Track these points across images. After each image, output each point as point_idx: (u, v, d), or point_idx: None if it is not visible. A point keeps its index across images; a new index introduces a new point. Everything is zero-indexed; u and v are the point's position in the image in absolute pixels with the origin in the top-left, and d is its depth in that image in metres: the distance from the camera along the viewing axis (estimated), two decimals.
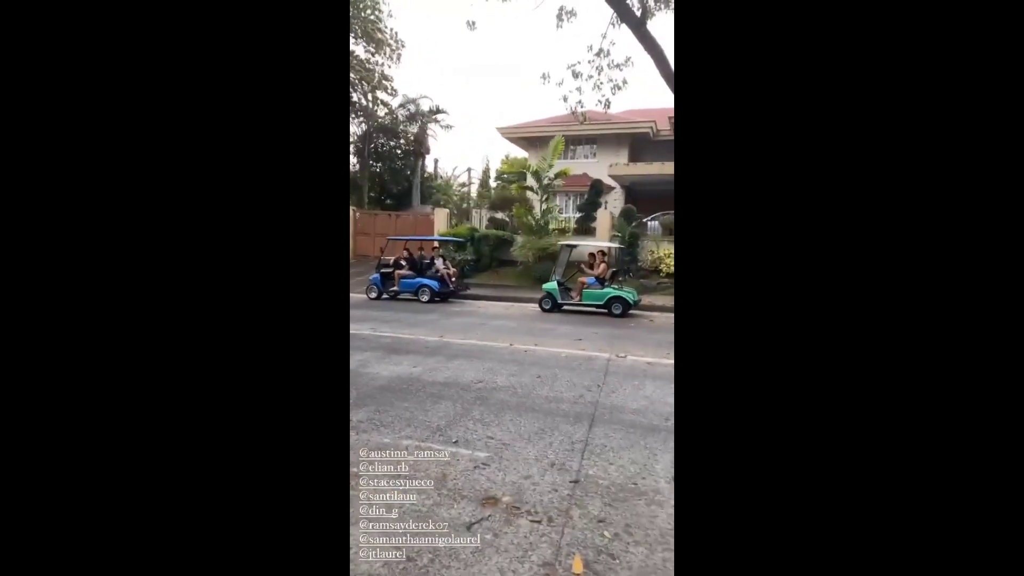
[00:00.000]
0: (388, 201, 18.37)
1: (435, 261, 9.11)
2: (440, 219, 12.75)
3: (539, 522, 1.76)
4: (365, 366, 3.85)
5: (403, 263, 8.82)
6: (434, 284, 8.47)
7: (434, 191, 20.45)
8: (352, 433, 2.49)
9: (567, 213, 14.34)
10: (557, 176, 11.12)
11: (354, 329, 5.51)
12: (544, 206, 11.38)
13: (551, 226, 11.54)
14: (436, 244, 9.42)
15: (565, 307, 7.73)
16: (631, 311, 7.46)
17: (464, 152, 38.38)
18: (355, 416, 2.74)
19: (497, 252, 11.58)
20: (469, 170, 25.99)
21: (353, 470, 2.13)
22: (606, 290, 7.42)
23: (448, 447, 2.37)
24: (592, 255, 7.90)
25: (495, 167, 27.97)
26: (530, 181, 12.15)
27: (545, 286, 7.93)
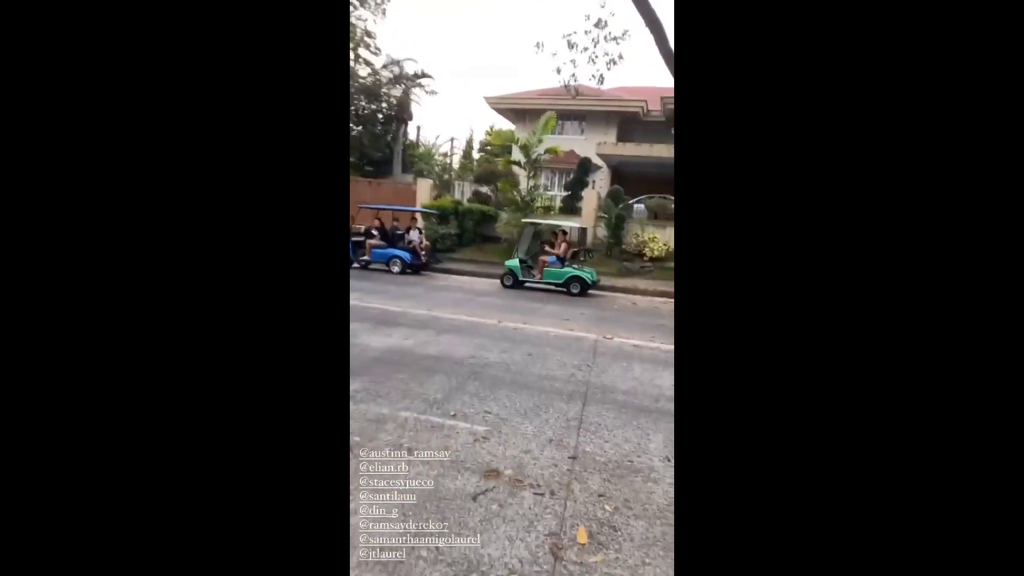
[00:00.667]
0: (368, 168, 17.79)
1: (408, 232, 9.00)
2: (423, 190, 12.47)
3: (542, 495, 1.84)
4: (356, 336, 3.84)
5: (374, 232, 8.68)
6: (406, 256, 8.39)
7: (415, 160, 19.95)
8: (351, 403, 2.51)
9: (553, 191, 14.29)
10: (546, 153, 11.01)
11: None
12: (531, 182, 11.30)
13: (537, 203, 11.48)
14: (415, 215, 9.29)
15: (527, 284, 7.85)
16: (591, 291, 7.61)
17: (447, 120, 37.41)
18: (352, 386, 2.74)
19: (481, 227, 11.48)
20: (452, 140, 25.43)
21: (356, 439, 2.16)
22: (566, 270, 7.54)
23: (447, 419, 2.42)
24: (554, 234, 8.02)
25: (479, 138, 27.50)
26: (517, 155, 11.97)
27: (507, 263, 8.04)
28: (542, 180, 12.20)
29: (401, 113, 18.11)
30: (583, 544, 1.58)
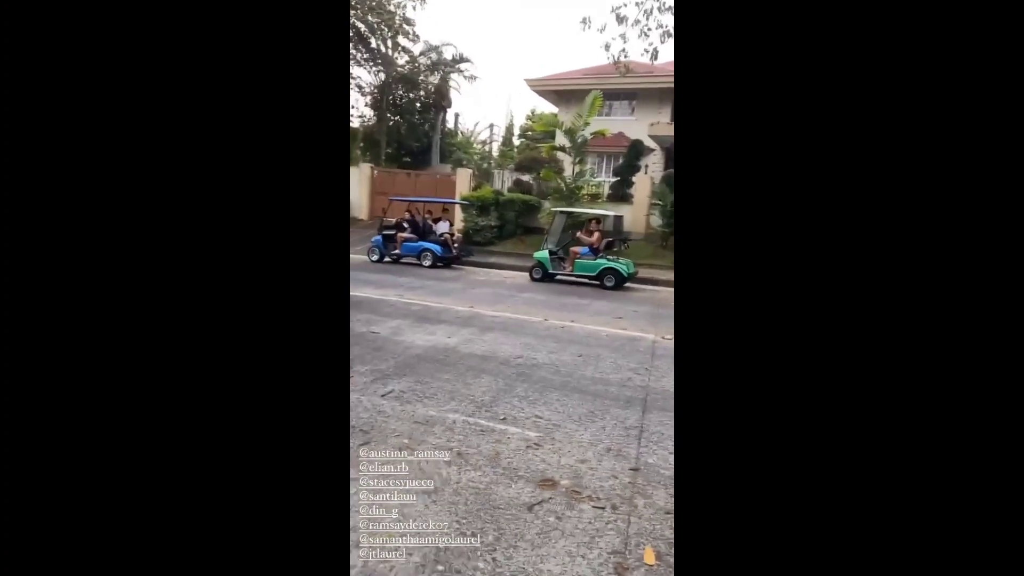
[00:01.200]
0: (406, 158, 18.20)
1: (438, 224, 9.07)
2: (462, 180, 12.61)
3: (603, 509, 1.79)
4: (399, 333, 3.94)
5: (405, 225, 8.79)
6: (436, 248, 8.49)
7: (454, 149, 20.18)
8: (396, 403, 2.56)
9: (601, 176, 14.05)
10: (593, 136, 10.82)
11: (380, 295, 5.64)
12: (576, 168, 11.12)
13: (583, 191, 11.32)
14: (445, 206, 9.34)
15: (557, 277, 7.82)
16: (627, 284, 7.50)
17: (487, 106, 37.60)
18: (397, 385, 2.81)
19: (523, 218, 11.47)
20: (492, 127, 25.52)
21: (404, 440, 2.20)
22: (599, 261, 7.47)
23: (496, 423, 2.42)
24: (589, 222, 7.96)
25: (519, 123, 27.40)
26: (560, 140, 11.86)
27: (536, 255, 8.03)
28: (588, 166, 11.94)
29: (439, 100, 18.35)
30: (651, 566, 1.52)
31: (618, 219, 8.24)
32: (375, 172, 13.76)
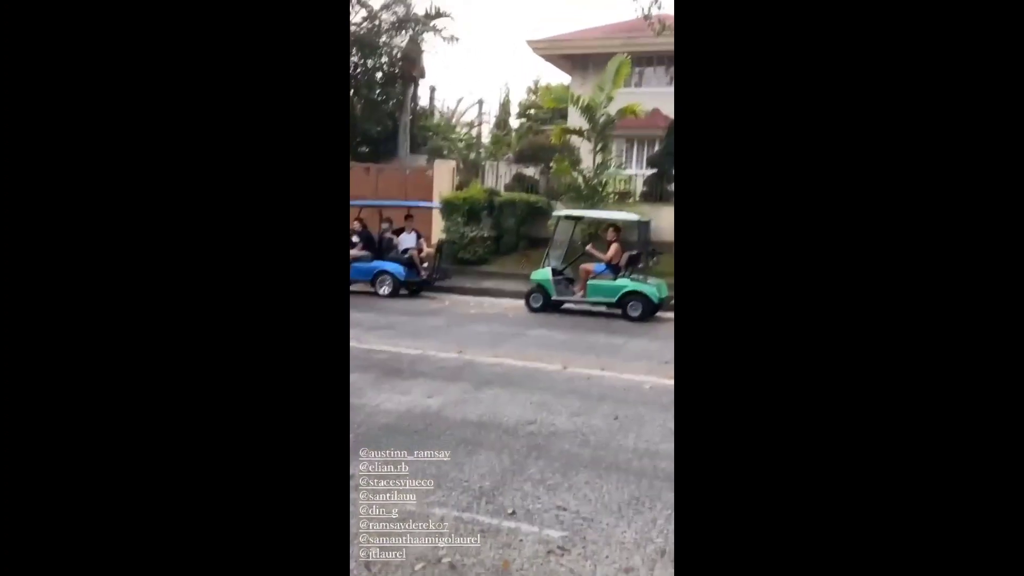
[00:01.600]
0: (363, 148, 18.45)
1: (401, 236, 8.81)
2: (442, 175, 12.79)
3: None
4: (359, 395, 3.87)
5: (354, 240, 8.40)
6: (397, 270, 8.24)
7: (429, 134, 20.49)
8: (357, 494, 2.50)
9: (631, 168, 14.28)
10: (620, 114, 11.04)
11: None
12: (598, 158, 11.36)
13: (608, 188, 11.53)
14: (409, 211, 9.26)
15: (565, 305, 7.93)
16: (661, 312, 7.65)
17: (472, 77, 38.40)
18: (357, 468, 2.75)
19: (527, 227, 11.59)
20: (480, 103, 26.10)
21: (370, 549, 2.13)
22: (619, 282, 7.62)
23: (502, 520, 2.37)
24: (608, 230, 8.11)
25: (518, 99, 28.03)
26: (575, 120, 12.08)
27: (534, 275, 8.11)
28: (614, 154, 12.19)
29: (408, 70, 18.65)
30: None
31: (643, 226, 8.37)
32: None
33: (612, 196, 11.59)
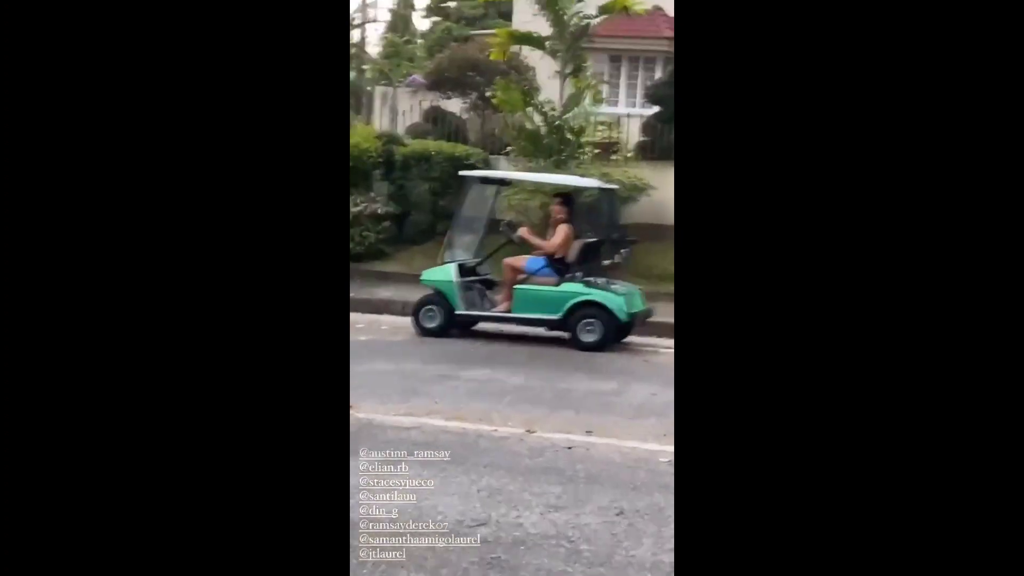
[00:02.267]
0: None
1: None
2: None
3: None
4: None
5: None
6: None
7: None
8: None
9: (620, 105, 14.53)
10: (603, 13, 11.26)
11: None
12: (569, 86, 11.60)
13: (584, 136, 11.75)
14: None
15: (476, 325, 8.31)
16: (630, 337, 8.15)
17: None
18: None
19: (449, 197, 11.60)
20: None
21: None
22: (568, 287, 7.94)
23: None
24: (556, 203, 8.46)
25: None
26: (525, 21, 12.42)
27: (428, 275, 8.44)
28: (592, 80, 12.33)
29: None
30: None
31: (608, 197, 8.68)
32: None
33: (588, 149, 11.81)
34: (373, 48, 24.46)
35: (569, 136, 11.37)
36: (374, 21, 24.24)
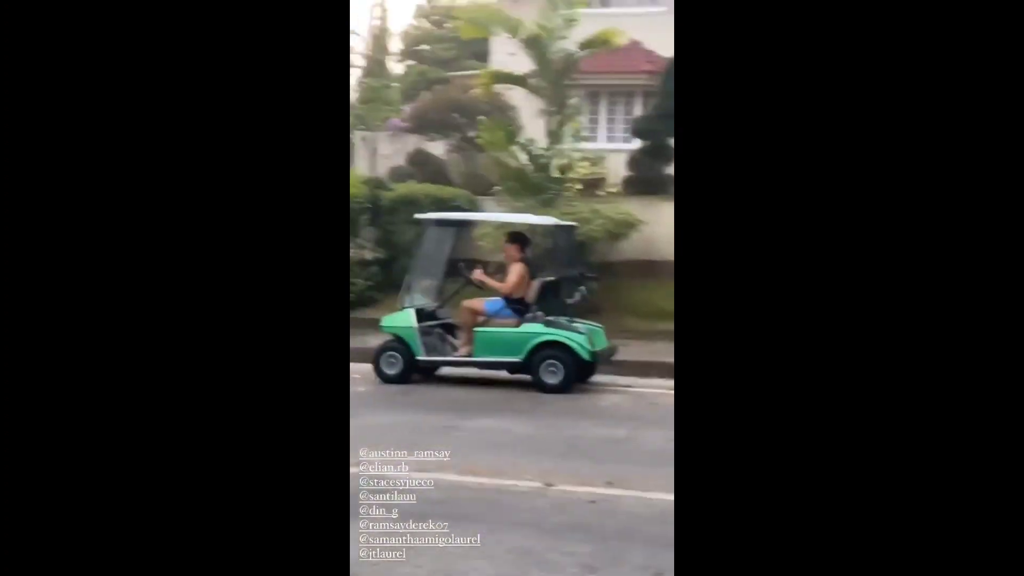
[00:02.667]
0: None
1: None
2: None
3: None
4: None
5: None
6: None
7: None
8: None
9: (602, 140, 14.55)
10: (584, 49, 11.32)
11: None
12: (554, 122, 11.60)
13: (568, 171, 11.74)
14: None
15: (440, 371, 8.33)
16: (594, 378, 8.14)
17: None
18: None
19: (460, 245, 11.54)
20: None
21: None
22: (527, 328, 7.94)
23: None
24: (508, 242, 8.48)
25: (403, 23, 28.06)
26: (509, 59, 12.38)
27: (388, 321, 8.48)
28: (578, 115, 12.34)
29: None
30: None
31: (565, 234, 8.73)
32: None
33: (573, 187, 11.78)
34: (351, 91, 24.52)
35: (556, 174, 11.39)
36: (352, 67, 24.33)
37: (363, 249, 11.17)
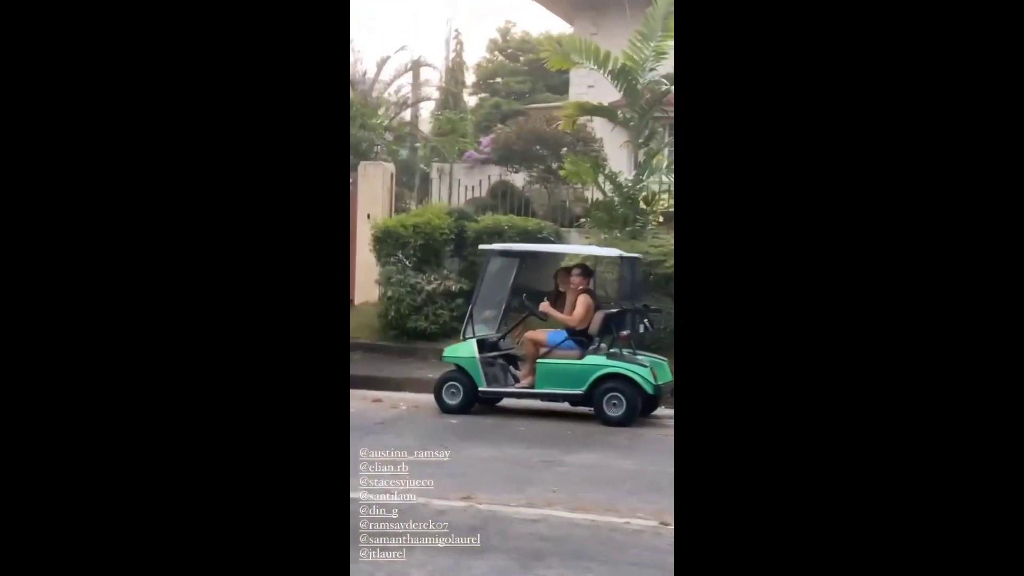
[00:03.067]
0: None
1: None
2: (372, 186, 12.74)
3: None
4: None
5: None
6: None
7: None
8: None
9: None
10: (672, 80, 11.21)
11: None
12: (640, 154, 11.53)
13: (654, 204, 11.65)
14: None
15: (502, 401, 8.25)
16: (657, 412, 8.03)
17: (401, 18, 38.93)
18: None
19: (525, 274, 11.46)
20: (416, 65, 26.19)
21: None
22: (591, 360, 7.86)
23: None
24: (565, 274, 8.45)
25: (477, 56, 28.23)
26: (581, 91, 12.78)
27: (450, 352, 8.48)
28: (664, 147, 12.25)
29: None
30: None
31: (630, 265, 8.64)
32: None
33: (656, 218, 11.65)
34: (425, 126, 24.72)
35: (642, 205, 11.37)
36: (428, 100, 24.53)
37: (448, 280, 11.12)
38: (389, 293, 10.77)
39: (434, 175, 15.95)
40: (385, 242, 11.09)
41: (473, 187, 14.66)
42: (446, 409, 7.95)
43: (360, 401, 8.44)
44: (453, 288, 11.12)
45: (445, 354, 8.39)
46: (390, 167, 13.55)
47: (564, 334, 7.96)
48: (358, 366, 9.61)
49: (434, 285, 10.97)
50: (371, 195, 12.63)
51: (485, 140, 17.62)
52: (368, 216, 12.01)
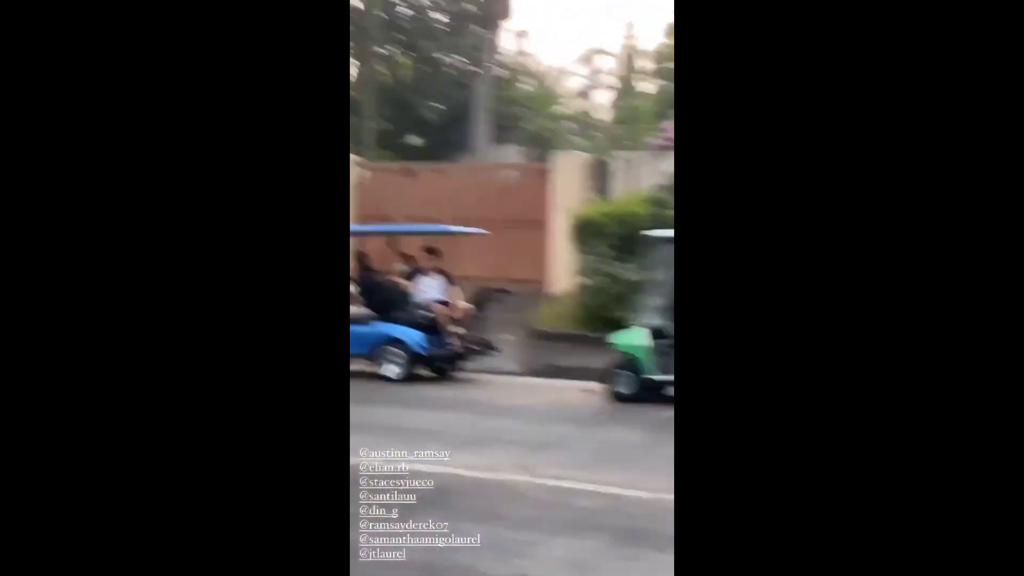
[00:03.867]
0: (413, 139, 18.84)
1: (418, 280, 9.29)
2: (567, 178, 12.88)
3: None
4: None
5: (354, 285, 9.05)
6: (413, 338, 8.70)
7: (519, 108, 20.64)
8: None
9: None
10: None
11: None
12: None
13: None
14: (430, 246, 9.67)
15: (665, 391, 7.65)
16: None
17: (579, 10, 38.81)
18: None
19: None
20: (596, 54, 26.19)
21: None
22: None
23: None
24: None
25: (654, 42, 27.87)
26: None
27: (618, 339, 8.22)
28: None
29: (489, 13, 18.92)
30: None
31: None
32: (367, 172, 14.35)
33: None
34: (603, 113, 24.66)
35: None
36: (608, 88, 24.49)
37: (649, 271, 11.03)
38: (590, 282, 10.76)
39: (620, 164, 15.90)
40: (584, 231, 11.08)
41: (657, 175, 14.55)
42: (618, 399, 7.84)
43: (572, 393, 8.50)
44: (655, 276, 11.07)
45: (613, 341, 8.17)
46: (584, 157, 13.62)
47: None
48: (565, 357, 9.78)
49: (632, 275, 10.90)
50: (565, 186, 12.73)
51: (667, 126, 17.43)
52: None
